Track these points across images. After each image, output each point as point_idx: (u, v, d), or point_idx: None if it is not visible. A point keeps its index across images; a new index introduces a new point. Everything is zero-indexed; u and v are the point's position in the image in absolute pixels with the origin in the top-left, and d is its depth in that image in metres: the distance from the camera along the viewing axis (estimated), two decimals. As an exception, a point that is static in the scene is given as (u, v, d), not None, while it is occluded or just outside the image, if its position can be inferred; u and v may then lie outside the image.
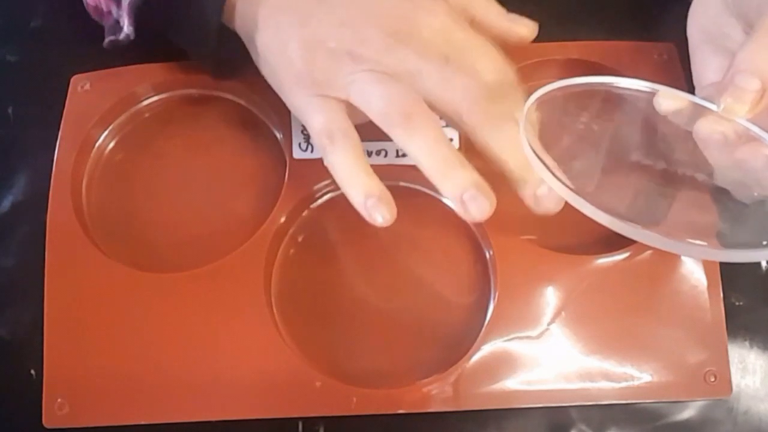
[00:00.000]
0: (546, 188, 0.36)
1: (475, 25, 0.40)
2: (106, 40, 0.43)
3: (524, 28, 0.41)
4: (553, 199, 0.37)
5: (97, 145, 0.47)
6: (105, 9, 0.42)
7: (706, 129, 0.34)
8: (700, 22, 0.40)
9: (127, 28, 0.42)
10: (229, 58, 0.42)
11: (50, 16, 0.45)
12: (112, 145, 0.47)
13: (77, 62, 0.45)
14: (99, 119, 0.46)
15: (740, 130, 0.34)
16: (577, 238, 0.43)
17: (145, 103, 0.48)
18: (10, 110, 0.48)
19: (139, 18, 0.41)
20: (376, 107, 0.36)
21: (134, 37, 0.42)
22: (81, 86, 0.46)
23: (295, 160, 0.44)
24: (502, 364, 0.39)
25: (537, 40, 0.46)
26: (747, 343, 0.41)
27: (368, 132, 0.37)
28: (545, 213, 0.37)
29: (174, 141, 0.47)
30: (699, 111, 0.35)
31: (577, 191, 0.33)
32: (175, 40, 0.43)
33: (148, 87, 0.47)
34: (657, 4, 0.41)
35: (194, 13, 0.40)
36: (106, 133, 0.47)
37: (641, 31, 0.46)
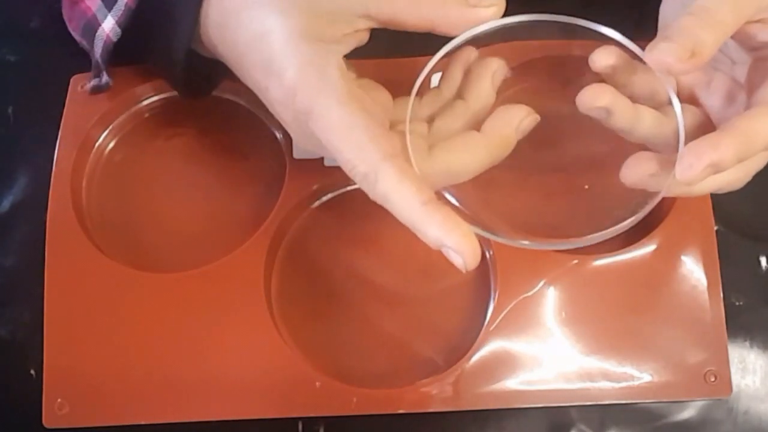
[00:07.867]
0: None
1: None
2: (90, 84, 0.44)
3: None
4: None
5: (97, 145, 0.47)
6: (87, 47, 0.43)
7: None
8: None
9: (105, 76, 0.43)
10: (197, 84, 0.42)
11: (50, 16, 0.45)
12: (112, 145, 0.47)
13: (77, 62, 0.45)
14: (99, 119, 0.46)
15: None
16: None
17: (145, 103, 0.48)
18: (10, 110, 0.48)
19: (112, 58, 0.42)
20: None
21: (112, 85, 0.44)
22: (81, 86, 0.46)
23: (295, 160, 0.44)
24: (502, 364, 0.39)
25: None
26: (747, 343, 0.41)
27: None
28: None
29: (174, 141, 0.47)
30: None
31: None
32: (149, 64, 0.44)
33: (148, 87, 0.47)
34: (657, 4, 0.41)
35: (162, 48, 0.39)
36: (106, 133, 0.47)
37: (641, 31, 0.46)
